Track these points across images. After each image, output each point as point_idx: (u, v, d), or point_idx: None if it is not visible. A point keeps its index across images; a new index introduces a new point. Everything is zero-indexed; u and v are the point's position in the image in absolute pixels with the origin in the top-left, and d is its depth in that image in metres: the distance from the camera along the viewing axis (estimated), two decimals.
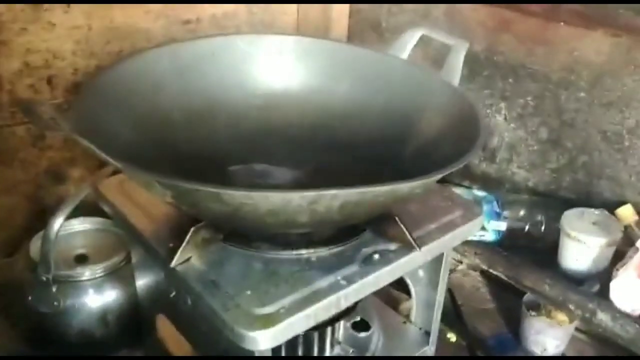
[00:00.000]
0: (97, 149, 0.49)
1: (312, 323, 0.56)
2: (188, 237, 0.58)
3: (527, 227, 1.07)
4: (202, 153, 0.72)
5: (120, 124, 0.64)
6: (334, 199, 0.49)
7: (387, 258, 0.62)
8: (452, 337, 1.02)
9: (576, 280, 0.97)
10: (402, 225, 0.62)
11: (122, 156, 0.51)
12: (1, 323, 0.94)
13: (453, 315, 1.06)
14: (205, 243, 0.60)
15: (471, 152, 0.57)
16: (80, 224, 0.94)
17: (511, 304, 1.06)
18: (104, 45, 1.06)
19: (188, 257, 0.59)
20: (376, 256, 0.62)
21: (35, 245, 0.86)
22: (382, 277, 0.61)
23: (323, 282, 0.57)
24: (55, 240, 0.74)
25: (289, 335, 0.54)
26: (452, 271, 1.17)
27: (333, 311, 0.58)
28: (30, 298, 0.83)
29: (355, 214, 0.54)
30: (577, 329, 1.00)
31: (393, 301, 1.02)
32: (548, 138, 1.10)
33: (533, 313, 0.98)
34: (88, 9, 1.02)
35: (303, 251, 0.61)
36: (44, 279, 0.78)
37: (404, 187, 0.51)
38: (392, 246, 0.64)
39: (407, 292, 0.84)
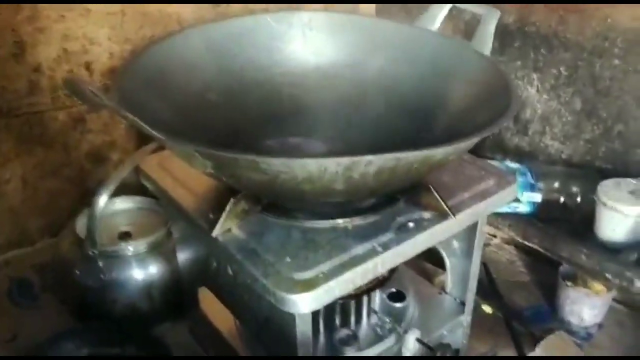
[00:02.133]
0: (143, 123, 0.51)
1: (350, 287, 0.57)
2: (228, 207, 0.60)
3: (562, 199, 1.06)
4: (237, 129, 0.73)
5: (157, 104, 0.66)
6: (369, 166, 0.50)
7: (421, 226, 0.63)
8: (487, 309, 1.02)
9: (613, 250, 0.97)
10: (436, 194, 0.63)
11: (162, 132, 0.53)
12: (50, 299, 0.99)
13: (488, 288, 1.06)
14: (244, 214, 0.62)
15: (505, 116, 0.58)
16: (122, 203, 0.97)
17: (546, 276, 1.05)
18: (138, 30, 1.08)
19: (229, 228, 0.61)
20: (411, 224, 0.63)
21: (80, 223, 0.90)
22: (417, 244, 0.62)
23: (360, 249, 0.59)
24: (100, 216, 0.77)
25: (329, 299, 0.56)
26: (485, 245, 1.17)
27: (370, 276, 0.59)
28: (77, 273, 0.87)
29: (390, 181, 0.55)
30: (615, 300, 0.99)
31: (428, 275, 1.03)
32: (582, 108, 1.09)
33: (569, 283, 0.98)
34: None
35: (339, 220, 0.63)
36: (91, 253, 0.82)
37: (437, 152, 0.52)
38: (427, 215, 0.65)
39: (442, 266, 0.85)
